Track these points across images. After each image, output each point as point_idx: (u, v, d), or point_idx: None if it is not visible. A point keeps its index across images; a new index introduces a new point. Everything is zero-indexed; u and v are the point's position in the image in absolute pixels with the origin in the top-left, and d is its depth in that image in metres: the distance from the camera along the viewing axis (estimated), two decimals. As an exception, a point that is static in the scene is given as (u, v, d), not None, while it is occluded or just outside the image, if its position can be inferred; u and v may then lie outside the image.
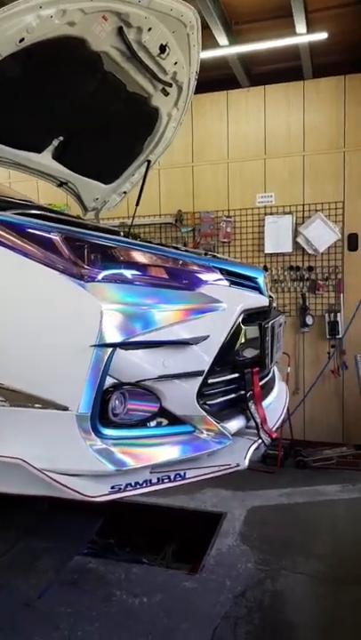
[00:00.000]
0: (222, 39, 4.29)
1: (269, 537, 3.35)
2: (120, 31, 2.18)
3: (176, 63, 2.57)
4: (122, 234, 2.90)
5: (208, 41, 4.06)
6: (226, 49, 4.41)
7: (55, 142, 2.68)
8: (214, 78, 4.97)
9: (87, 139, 2.77)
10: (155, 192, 5.32)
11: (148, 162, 3.21)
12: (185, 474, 1.61)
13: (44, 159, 2.72)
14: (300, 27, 4.13)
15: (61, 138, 2.67)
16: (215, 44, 4.34)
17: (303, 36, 4.25)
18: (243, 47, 4.47)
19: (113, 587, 2.85)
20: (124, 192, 3.36)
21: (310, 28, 4.21)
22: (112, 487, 1.49)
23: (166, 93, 2.77)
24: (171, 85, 2.72)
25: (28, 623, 2.41)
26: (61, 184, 3.05)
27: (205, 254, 2.98)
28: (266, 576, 2.91)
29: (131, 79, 2.53)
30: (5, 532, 1.78)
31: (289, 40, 4.32)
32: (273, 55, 4.80)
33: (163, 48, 2.41)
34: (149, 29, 2.25)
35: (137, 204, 3.26)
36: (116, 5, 2.03)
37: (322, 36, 4.23)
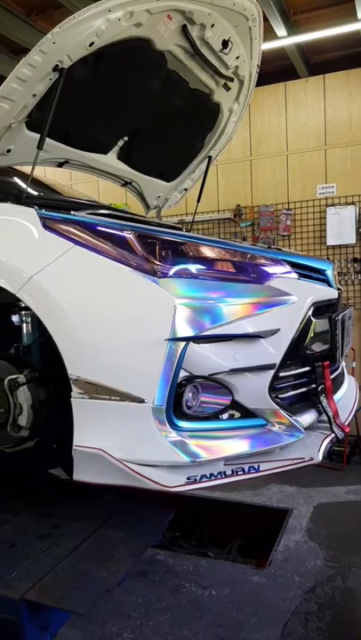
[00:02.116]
0: (281, 30, 4.23)
1: (338, 534, 3.30)
2: (184, 29, 2.20)
3: (238, 57, 2.56)
4: (184, 231, 2.94)
5: (266, 33, 4.01)
6: (285, 40, 4.34)
7: (120, 143, 2.74)
8: (272, 70, 4.92)
9: (150, 138, 2.82)
10: (213, 188, 5.32)
11: (210, 158, 3.22)
12: (259, 466, 1.61)
13: (110, 160, 2.78)
14: (362, 11, 4.01)
15: (126, 138, 2.73)
16: (273, 36, 4.28)
17: (365, 20, 4.12)
18: (302, 37, 4.39)
19: (182, 579, 2.90)
20: (185, 189, 3.39)
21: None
22: (188, 478, 1.52)
23: (228, 88, 2.77)
24: (232, 80, 2.71)
25: (102, 612, 2.50)
26: (126, 183, 3.12)
27: (269, 247, 2.96)
28: (336, 573, 2.87)
29: (193, 76, 2.54)
30: (83, 522, 1.85)
31: (350, 27, 4.20)
32: (332, 43, 4.69)
33: (225, 43, 2.41)
34: (212, 25, 2.26)
35: (198, 201, 3.28)
36: (181, 3, 2.05)
37: (385, 19, 4.08)
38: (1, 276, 1.68)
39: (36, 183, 3.03)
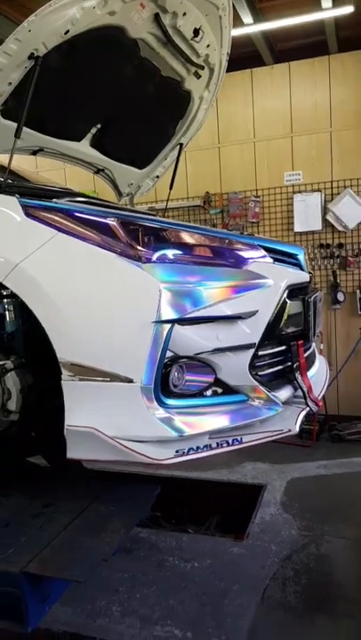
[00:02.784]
0: (247, 17, 4.29)
1: (310, 506, 3.47)
2: (157, 17, 2.24)
3: (208, 46, 2.61)
4: (158, 217, 3.00)
5: (233, 20, 4.06)
6: (251, 27, 4.40)
7: (93, 130, 2.76)
8: (238, 57, 4.96)
9: (122, 125, 2.85)
10: (182, 175, 5.35)
11: (181, 145, 3.27)
12: (242, 439, 1.71)
13: (84, 147, 2.80)
14: (326, 1, 4.10)
15: (99, 125, 2.75)
16: (240, 23, 4.33)
17: (329, 10, 4.21)
18: (268, 24, 4.45)
19: (165, 554, 3.01)
20: (157, 176, 3.43)
21: (336, 2, 4.16)
22: (176, 451, 1.61)
23: (199, 76, 2.82)
24: (203, 68, 2.77)
25: (90, 588, 2.58)
26: (98, 171, 3.14)
27: (241, 233, 3.05)
28: (310, 541, 3.03)
29: (165, 64, 2.58)
30: (73, 501, 1.93)
31: (314, 15, 4.29)
32: (297, 31, 4.77)
33: (196, 32, 2.46)
34: (184, 14, 2.30)
35: (170, 188, 3.33)
36: (153, -8, 2.09)
37: (348, 9, 4.18)
38: (-15, 264, 1.71)
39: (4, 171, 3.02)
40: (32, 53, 1.90)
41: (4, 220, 1.76)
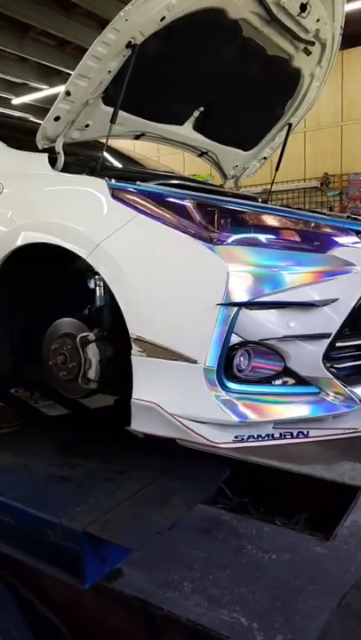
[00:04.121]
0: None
1: None
2: (258, -5, 2.17)
3: (318, 20, 2.48)
4: (260, 200, 2.93)
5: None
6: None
7: (196, 113, 2.78)
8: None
9: (227, 107, 2.82)
10: (300, 156, 5.18)
11: (290, 125, 3.16)
12: (308, 432, 1.65)
13: (186, 131, 2.83)
14: None
15: (202, 108, 2.76)
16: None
17: None
18: None
19: (244, 540, 2.99)
20: (265, 157, 3.35)
21: None
22: (235, 437, 1.60)
23: (309, 53, 2.69)
24: (313, 44, 2.63)
25: (164, 562, 2.68)
26: (202, 154, 3.16)
27: (348, 217, 2.88)
28: None
29: (271, 42, 2.51)
30: (145, 472, 2.00)
31: None
32: None
33: (303, 7, 2.34)
34: (289, -11, 2.21)
35: (276, 169, 3.24)
36: (253, -30, 2.03)
37: None
38: (74, 242, 1.83)
39: (121, 156, 3.17)
40: (129, 42, 1.96)
41: (93, 200, 1.86)
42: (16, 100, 10.64)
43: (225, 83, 2.64)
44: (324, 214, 2.61)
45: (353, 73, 4.94)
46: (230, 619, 2.31)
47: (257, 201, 2.79)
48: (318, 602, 2.47)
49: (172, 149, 3.61)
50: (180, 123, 2.77)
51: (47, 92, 9.81)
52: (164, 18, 1.94)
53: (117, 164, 2.99)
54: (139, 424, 1.67)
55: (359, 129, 5.06)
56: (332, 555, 2.87)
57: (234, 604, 2.41)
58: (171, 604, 2.36)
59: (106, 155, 2.96)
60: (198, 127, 2.86)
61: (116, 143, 3.02)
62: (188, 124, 2.81)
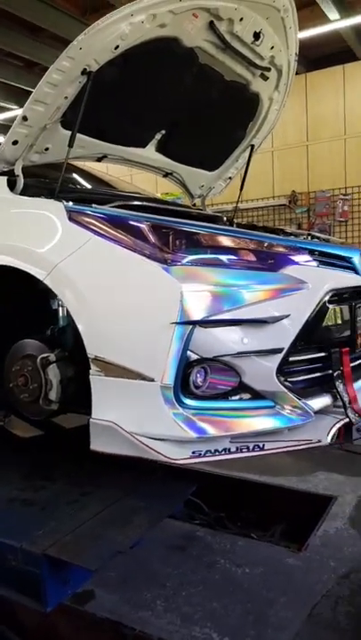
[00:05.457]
0: (333, 14, 4.14)
1: (382, 524, 3.24)
2: (211, 25, 2.25)
3: (273, 47, 2.57)
4: (225, 219, 3.00)
5: (318, 18, 3.96)
6: (337, 23, 4.24)
7: (158, 136, 2.84)
8: (328, 54, 4.80)
9: (188, 129, 2.90)
10: (268, 174, 5.31)
11: (252, 146, 3.25)
12: (264, 445, 1.69)
13: (149, 152, 2.89)
14: None
15: (163, 131, 2.83)
16: (326, 20, 4.20)
17: None
18: (358, 18, 4.26)
19: (218, 555, 3.00)
20: (230, 177, 3.44)
21: None
22: (193, 452, 1.63)
23: (266, 78, 2.78)
24: (269, 70, 2.73)
25: (138, 581, 2.67)
26: (167, 174, 3.23)
27: (308, 235, 2.96)
28: (373, 561, 2.84)
29: (227, 69, 2.59)
30: (110, 491, 2.01)
31: None
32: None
33: (257, 35, 2.43)
34: (241, 19, 2.30)
35: (241, 189, 3.33)
36: (205, 2, 2.11)
37: None
38: (32, 264, 1.86)
39: (90, 177, 3.22)
40: (84, 69, 2.02)
41: (50, 223, 1.90)
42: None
43: (185, 107, 2.72)
44: (285, 233, 2.69)
45: (316, 94, 5.10)
46: (202, 635, 2.31)
47: (221, 220, 2.86)
48: (289, 613, 2.48)
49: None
50: (143, 145, 2.83)
51: (17, 111, 9.85)
52: (118, 46, 2.01)
53: (87, 186, 3.04)
54: (98, 444, 1.69)
55: (324, 148, 5.21)
56: (303, 566, 2.89)
57: (206, 619, 2.41)
58: (143, 623, 2.35)
59: (75, 176, 3.02)
60: (161, 149, 2.92)
61: (88, 164, 3.07)
62: (151, 147, 2.88)
